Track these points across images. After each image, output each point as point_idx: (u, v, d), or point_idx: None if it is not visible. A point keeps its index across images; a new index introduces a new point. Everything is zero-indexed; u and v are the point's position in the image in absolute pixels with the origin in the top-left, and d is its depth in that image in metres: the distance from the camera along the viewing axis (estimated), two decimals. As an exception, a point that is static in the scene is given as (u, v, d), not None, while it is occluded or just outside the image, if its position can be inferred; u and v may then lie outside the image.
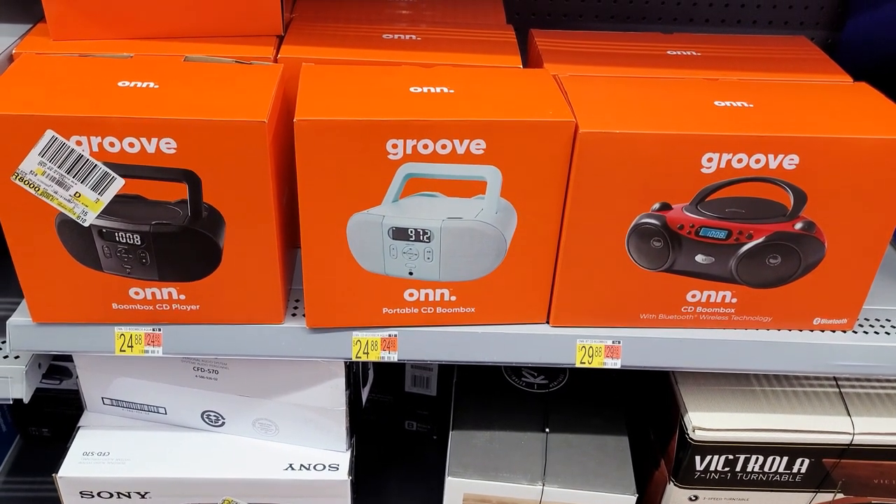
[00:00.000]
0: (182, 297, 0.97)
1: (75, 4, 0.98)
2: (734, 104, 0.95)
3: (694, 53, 1.09)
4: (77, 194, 0.88)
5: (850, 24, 1.38)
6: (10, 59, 0.97)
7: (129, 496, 1.14)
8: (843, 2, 1.43)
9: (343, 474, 1.15)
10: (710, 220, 0.94)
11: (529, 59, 1.14)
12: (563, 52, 1.08)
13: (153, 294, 0.97)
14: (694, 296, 1.00)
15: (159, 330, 1.00)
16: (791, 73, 1.05)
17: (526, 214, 0.95)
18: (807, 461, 1.11)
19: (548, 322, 1.04)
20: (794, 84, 1.02)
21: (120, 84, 0.90)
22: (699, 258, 0.97)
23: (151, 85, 0.90)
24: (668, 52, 1.10)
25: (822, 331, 1.04)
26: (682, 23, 1.46)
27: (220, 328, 1.01)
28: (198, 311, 0.99)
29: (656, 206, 0.93)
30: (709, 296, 1.00)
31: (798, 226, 0.94)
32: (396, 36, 1.08)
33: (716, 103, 0.95)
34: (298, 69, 0.98)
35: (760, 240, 0.95)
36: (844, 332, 1.04)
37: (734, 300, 1.01)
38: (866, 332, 1.04)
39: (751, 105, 0.95)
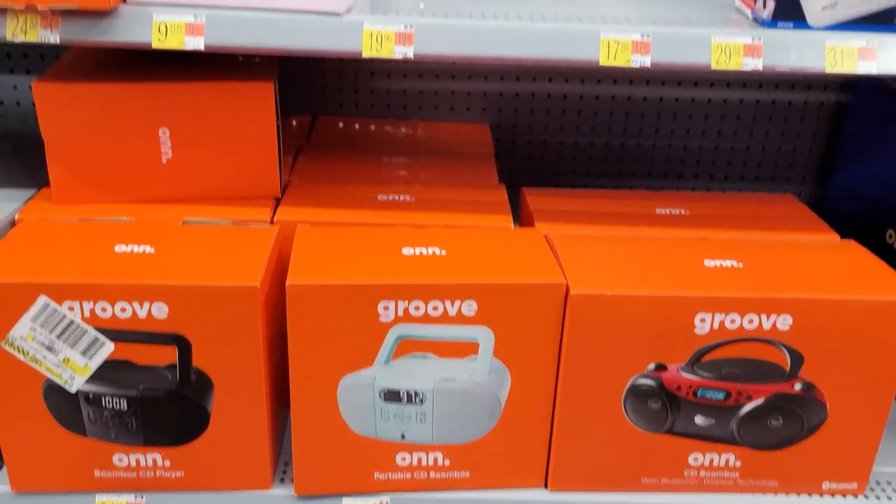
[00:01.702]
0: (167, 463, 0.94)
1: (79, 171, 1.02)
2: (724, 264, 0.96)
3: (682, 212, 1.12)
4: (66, 359, 0.87)
5: (835, 180, 1.41)
6: (13, 223, 0.99)
7: None
8: (827, 159, 1.48)
9: None
10: (708, 381, 0.93)
11: (522, 216, 1.17)
12: (554, 211, 1.11)
13: (137, 461, 0.94)
14: (696, 458, 0.97)
15: (142, 498, 0.96)
16: (779, 232, 1.06)
17: (520, 375, 0.93)
18: None
19: (546, 486, 1.00)
20: (783, 242, 1.03)
21: (117, 249, 0.91)
22: (699, 420, 0.95)
23: (148, 249, 0.92)
24: (658, 211, 1.12)
25: (833, 495, 0.99)
26: (671, 178, 1.50)
27: (205, 495, 0.97)
28: (182, 478, 0.96)
29: (651, 366, 0.92)
30: (711, 459, 0.97)
31: (797, 387, 0.92)
32: (391, 197, 1.11)
33: (706, 263, 0.96)
34: (294, 231, 1.00)
35: (760, 401, 0.93)
36: (855, 496, 0.99)
37: (738, 463, 0.97)
38: (878, 497, 0.99)
39: (741, 265, 0.96)
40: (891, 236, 1.20)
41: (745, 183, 1.51)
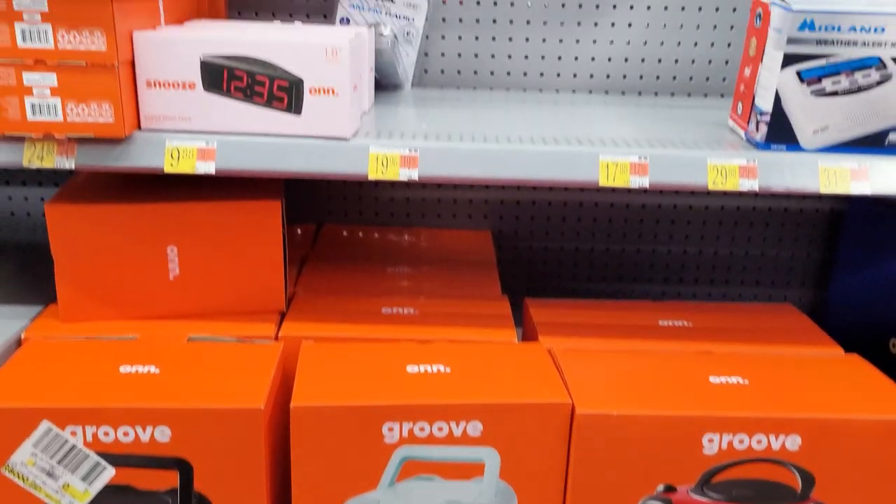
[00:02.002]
0: (164, 591, 0.91)
1: (87, 289, 1.03)
2: (730, 380, 0.95)
3: (685, 324, 1.12)
4: (66, 485, 0.86)
5: (835, 287, 1.42)
6: (19, 342, 0.99)
7: None
8: (826, 264, 1.49)
9: None
10: None
11: (525, 327, 1.17)
12: (558, 324, 1.11)
13: (133, 589, 0.91)
14: (709, 583, 0.94)
15: None
16: (782, 345, 1.07)
17: (526, 497, 0.92)
18: None
19: None
20: (787, 357, 1.03)
21: (121, 370, 0.91)
22: (711, 543, 0.92)
23: (152, 369, 0.92)
24: (660, 323, 1.12)
25: None
26: (672, 283, 1.52)
27: None
28: None
29: (661, 488, 0.91)
30: (725, 583, 0.94)
31: (810, 509, 0.91)
32: (395, 310, 1.12)
33: (711, 379, 0.96)
34: (299, 345, 1.00)
35: (773, 524, 0.91)
36: None
37: (753, 587, 0.94)
38: None
39: (746, 381, 0.95)
40: (894, 345, 1.21)
41: (744, 287, 1.52)
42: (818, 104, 0.93)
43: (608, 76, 1.39)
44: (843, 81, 0.92)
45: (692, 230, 1.48)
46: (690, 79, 1.39)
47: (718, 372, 0.97)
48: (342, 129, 0.95)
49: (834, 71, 0.92)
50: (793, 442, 0.88)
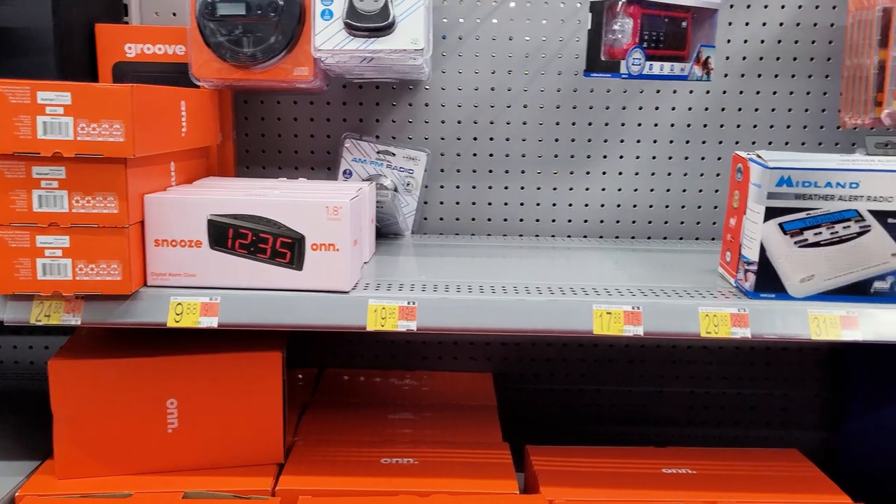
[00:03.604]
0: None
1: (85, 445, 1.02)
2: (736, 533, 0.93)
3: (689, 472, 1.10)
4: None
5: (846, 429, 1.40)
6: (12, 501, 0.98)
7: None
8: (834, 405, 1.48)
9: None
10: None
11: (527, 475, 1.15)
12: (560, 473, 1.09)
13: None
14: None
15: None
16: (787, 494, 1.04)
17: None
18: None
19: None
20: (793, 507, 1.01)
21: (114, 529, 0.90)
22: None
23: (146, 529, 0.90)
24: (664, 471, 1.10)
25: None
26: (680, 424, 1.50)
27: None
28: None
29: None
30: None
31: None
32: (395, 460, 1.11)
33: (717, 533, 0.93)
34: (296, 500, 0.98)
35: None
36: None
37: None
38: None
39: (753, 534, 0.93)
40: (906, 491, 1.18)
41: (753, 429, 1.49)
42: (802, 254, 0.96)
43: (602, 221, 1.43)
44: (825, 233, 0.96)
45: (696, 370, 1.48)
46: (681, 223, 1.43)
47: (724, 525, 0.95)
48: (342, 283, 0.98)
49: (814, 223, 0.95)
50: None
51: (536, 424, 1.49)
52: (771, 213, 0.96)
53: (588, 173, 1.42)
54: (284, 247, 0.97)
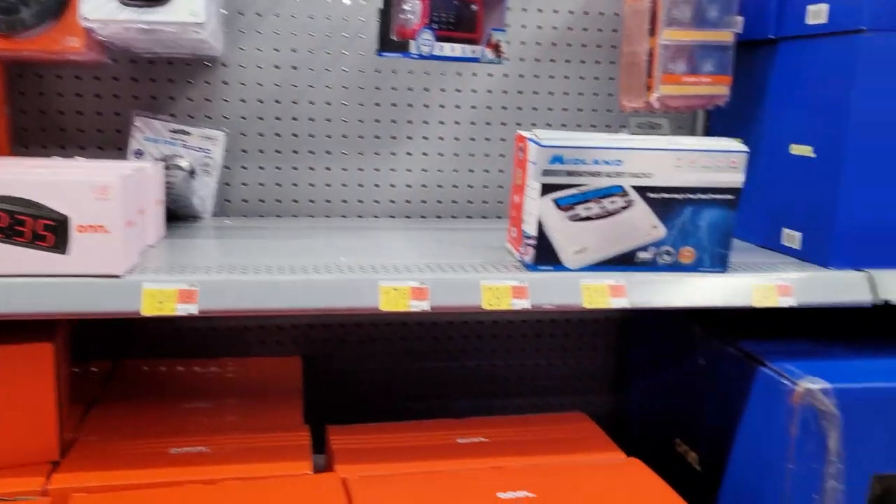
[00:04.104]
0: None
1: None
2: (518, 494, 0.98)
3: (482, 440, 1.14)
4: None
5: (629, 392, 1.52)
6: None
7: None
8: (620, 371, 1.58)
9: None
10: None
11: (326, 456, 1.15)
12: (357, 450, 1.10)
13: None
14: None
15: None
16: (571, 455, 1.11)
17: None
18: None
19: None
20: (574, 466, 1.07)
21: None
22: None
23: None
24: (458, 441, 1.14)
25: None
26: (481, 396, 1.55)
27: None
28: None
29: None
30: None
31: None
32: (185, 450, 1.07)
33: (499, 495, 0.97)
34: (69, 498, 0.93)
35: None
36: None
37: None
38: None
39: (534, 495, 0.98)
40: (679, 445, 1.28)
41: (550, 397, 1.57)
42: (575, 228, 1.02)
43: (408, 202, 1.45)
44: (594, 207, 1.02)
45: (498, 344, 1.54)
46: (484, 202, 1.48)
47: (508, 487, 0.99)
48: (114, 267, 0.92)
49: (585, 199, 1.01)
50: (575, 554, 0.91)
51: (347, 406, 1.49)
52: (546, 190, 1.01)
53: (393, 154, 1.43)
54: (47, 229, 0.90)
